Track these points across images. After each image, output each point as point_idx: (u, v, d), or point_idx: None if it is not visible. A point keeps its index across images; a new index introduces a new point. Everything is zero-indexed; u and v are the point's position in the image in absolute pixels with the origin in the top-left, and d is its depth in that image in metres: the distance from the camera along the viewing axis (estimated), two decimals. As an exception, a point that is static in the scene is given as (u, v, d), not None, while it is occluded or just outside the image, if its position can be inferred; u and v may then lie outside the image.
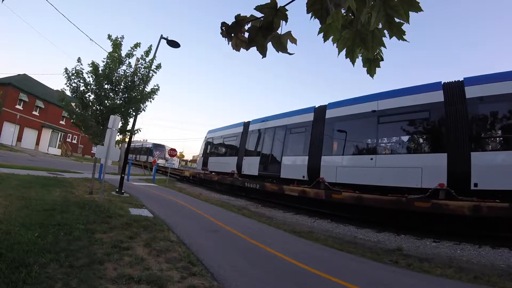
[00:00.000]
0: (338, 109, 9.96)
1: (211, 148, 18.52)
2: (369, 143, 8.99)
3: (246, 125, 15.26)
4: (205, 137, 19.69)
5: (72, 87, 7.55)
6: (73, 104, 7.98)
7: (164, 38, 10.30)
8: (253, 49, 1.26)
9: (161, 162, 31.32)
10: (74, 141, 38.87)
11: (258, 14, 1.18)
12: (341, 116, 9.81)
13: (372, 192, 8.20)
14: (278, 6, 1.15)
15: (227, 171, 15.43)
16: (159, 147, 36.54)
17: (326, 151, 9.97)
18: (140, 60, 8.38)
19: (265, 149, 13.14)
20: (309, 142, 10.71)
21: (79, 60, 7.55)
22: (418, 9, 1.13)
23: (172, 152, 18.65)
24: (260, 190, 12.09)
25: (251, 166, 13.49)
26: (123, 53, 7.93)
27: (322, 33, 1.32)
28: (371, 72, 1.55)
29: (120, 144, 12.18)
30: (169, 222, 5.75)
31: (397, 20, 1.16)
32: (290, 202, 10.98)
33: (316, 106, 11.10)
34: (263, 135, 13.44)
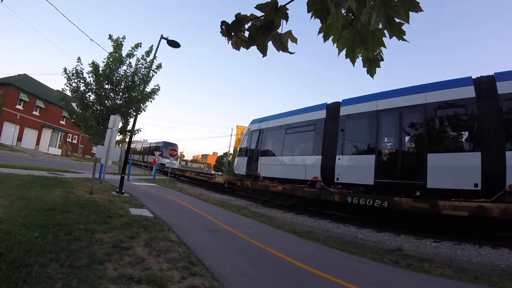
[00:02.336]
0: None
1: (262, 144, 13.05)
2: None
3: (332, 108, 10.32)
4: (248, 129, 14.55)
5: (72, 87, 7.55)
6: (73, 104, 7.99)
7: (165, 38, 10.31)
8: (253, 48, 1.26)
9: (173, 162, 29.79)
10: (75, 141, 38.87)
11: (259, 13, 1.18)
12: None
13: None
14: (279, 5, 1.16)
15: (298, 178, 10.58)
16: (170, 146, 32.45)
17: None
18: (141, 60, 8.39)
19: (385, 143, 8.71)
20: (476, 130, 7.01)
21: (79, 59, 7.55)
22: (418, 9, 1.13)
23: (172, 152, 18.68)
24: (386, 208, 7.65)
25: (358, 170, 8.73)
26: (124, 53, 7.94)
27: (322, 33, 1.33)
28: (371, 72, 1.55)
29: (120, 144, 12.15)
30: (169, 222, 5.76)
31: (397, 20, 1.17)
32: (449, 227, 7.33)
33: (474, 77, 7.43)
34: (376, 122, 8.71)
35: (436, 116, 7.71)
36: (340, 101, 10.13)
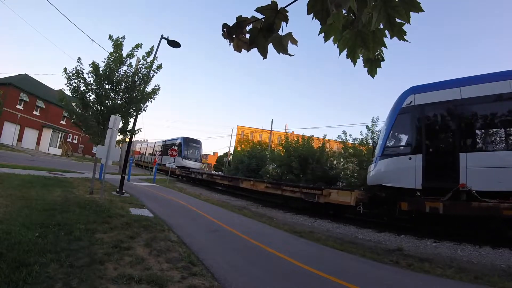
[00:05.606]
0: None
1: (466, 130, 7.08)
2: None
3: None
4: (405, 104, 7.82)
5: (72, 87, 7.56)
6: (73, 104, 8.00)
7: (165, 38, 10.31)
8: (255, 50, 1.26)
9: (192, 165, 25.43)
10: (75, 141, 38.89)
11: (259, 16, 1.19)
12: None
13: None
14: (279, 8, 1.16)
15: None
16: (191, 142, 27.01)
17: None
18: (141, 60, 8.40)
19: None
20: None
21: (79, 60, 7.55)
22: (419, 9, 1.13)
23: (173, 152, 18.64)
24: None
25: None
26: (124, 53, 7.94)
27: (323, 33, 1.33)
28: (372, 73, 1.55)
29: (120, 144, 12.13)
30: (169, 222, 5.76)
31: (398, 20, 1.17)
32: None
33: None
34: None
35: None
36: None
